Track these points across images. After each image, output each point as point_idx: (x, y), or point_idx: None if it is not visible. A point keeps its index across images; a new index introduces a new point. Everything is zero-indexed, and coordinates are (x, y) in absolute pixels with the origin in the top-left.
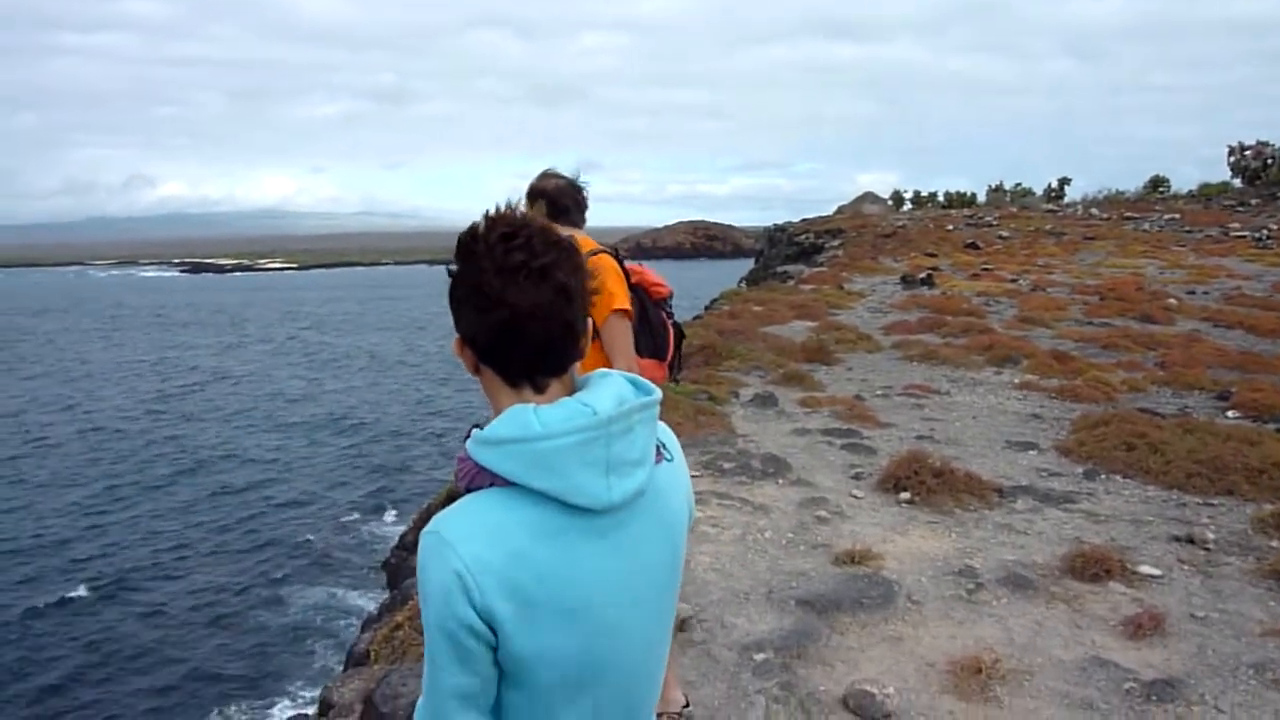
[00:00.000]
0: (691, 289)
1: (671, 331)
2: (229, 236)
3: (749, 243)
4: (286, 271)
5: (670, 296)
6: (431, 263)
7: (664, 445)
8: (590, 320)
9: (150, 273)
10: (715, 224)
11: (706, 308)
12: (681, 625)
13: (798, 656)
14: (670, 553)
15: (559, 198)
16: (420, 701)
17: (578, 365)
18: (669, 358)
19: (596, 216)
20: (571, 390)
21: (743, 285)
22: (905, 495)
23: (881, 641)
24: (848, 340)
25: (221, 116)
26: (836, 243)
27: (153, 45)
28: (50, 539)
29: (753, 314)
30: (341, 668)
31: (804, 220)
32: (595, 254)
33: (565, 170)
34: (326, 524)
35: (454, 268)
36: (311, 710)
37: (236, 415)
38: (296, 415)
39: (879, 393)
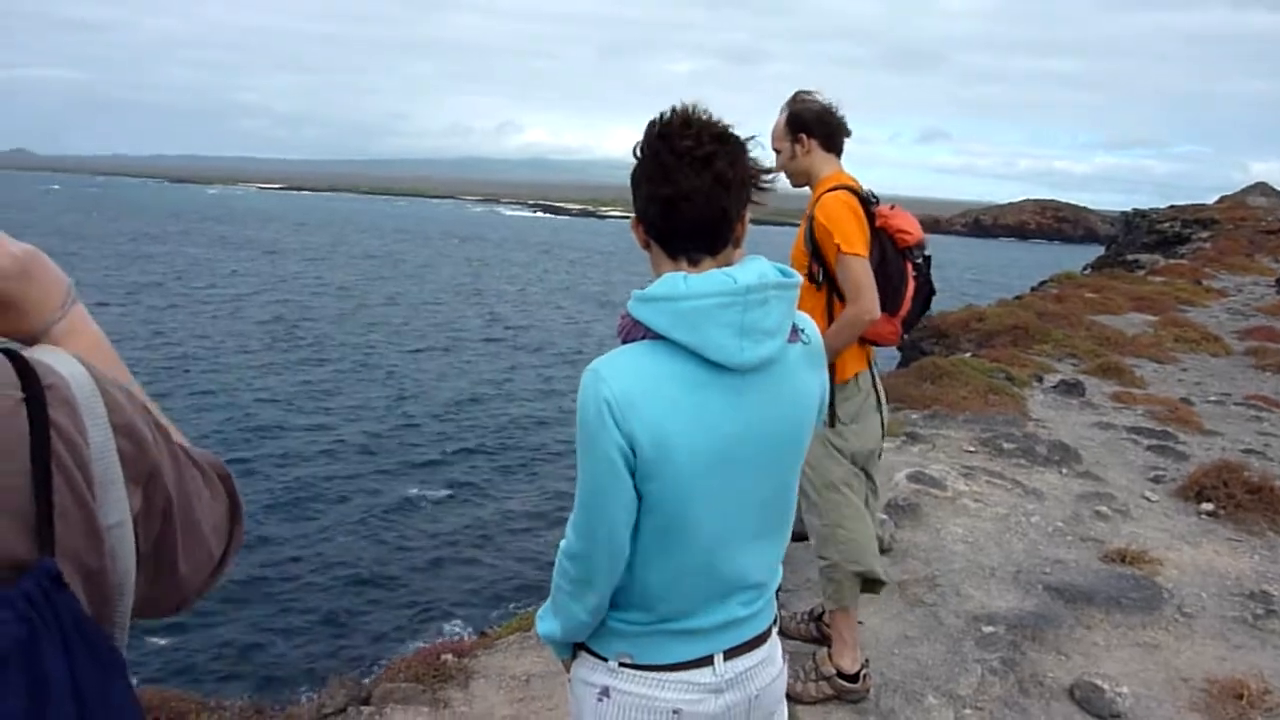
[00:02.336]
0: (1027, 270)
1: (912, 284)
2: (580, 183)
3: (1104, 228)
4: (626, 220)
5: (919, 245)
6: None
7: (802, 329)
8: (818, 257)
9: (509, 212)
10: (1066, 204)
11: (1033, 289)
12: (910, 585)
13: (1031, 638)
14: (793, 425)
15: (827, 118)
16: (566, 543)
17: (738, 252)
18: (902, 312)
19: (933, 186)
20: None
21: (1087, 271)
22: (1208, 506)
23: (1133, 645)
24: (1190, 339)
25: (587, 71)
26: (1205, 235)
27: (537, 2)
28: (412, 439)
29: (1083, 300)
30: None
31: (1172, 207)
32: (834, 190)
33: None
34: None
35: (639, 150)
36: None
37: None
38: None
39: (1212, 399)
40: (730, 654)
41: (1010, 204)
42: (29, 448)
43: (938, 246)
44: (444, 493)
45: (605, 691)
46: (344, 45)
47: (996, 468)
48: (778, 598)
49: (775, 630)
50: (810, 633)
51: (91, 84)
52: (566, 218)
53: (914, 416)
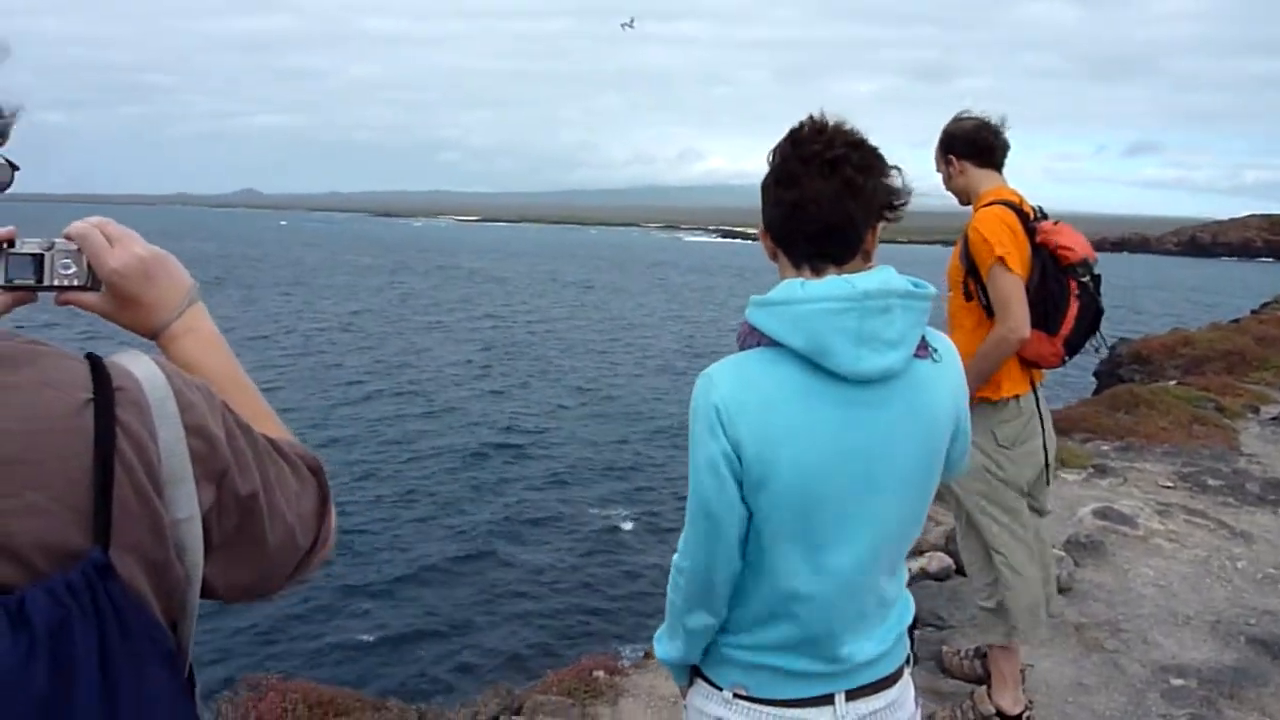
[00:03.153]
0: (1248, 292)
1: (1075, 304)
2: (759, 208)
3: None
4: None
5: (1083, 262)
6: (945, 243)
7: (933, 346)
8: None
9: (690, 238)
10: None
11: (1253, 311)
12: (1089, 628)
13: (1228, 695)
14: (919, 448)
15: (975, 137)
16: (677, 556)
17: (868, 265)
18: (1063, 331)
19: (1142, 202)
20: None
21: None
22: None
23: None
24: None
25: (765, 95)
26: None
27: (721, 30)
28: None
29: None
30: None
31: None
32: (991, 205)
33: (987, 123)
34: None
35: (770, 157)
36: None
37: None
38: None
39: None
40: (854, 694)
41: (1233, 220)
42: (93, 445)
43: (1145, 266)
44: (625, 512)
45: None
46: (535, 81)
47: (1198, 505)
48: (912, 635)
49: (908, 671)
50: (975, 671)
51: (307, 127)
52: (745, 242)
53: (1105, 448)
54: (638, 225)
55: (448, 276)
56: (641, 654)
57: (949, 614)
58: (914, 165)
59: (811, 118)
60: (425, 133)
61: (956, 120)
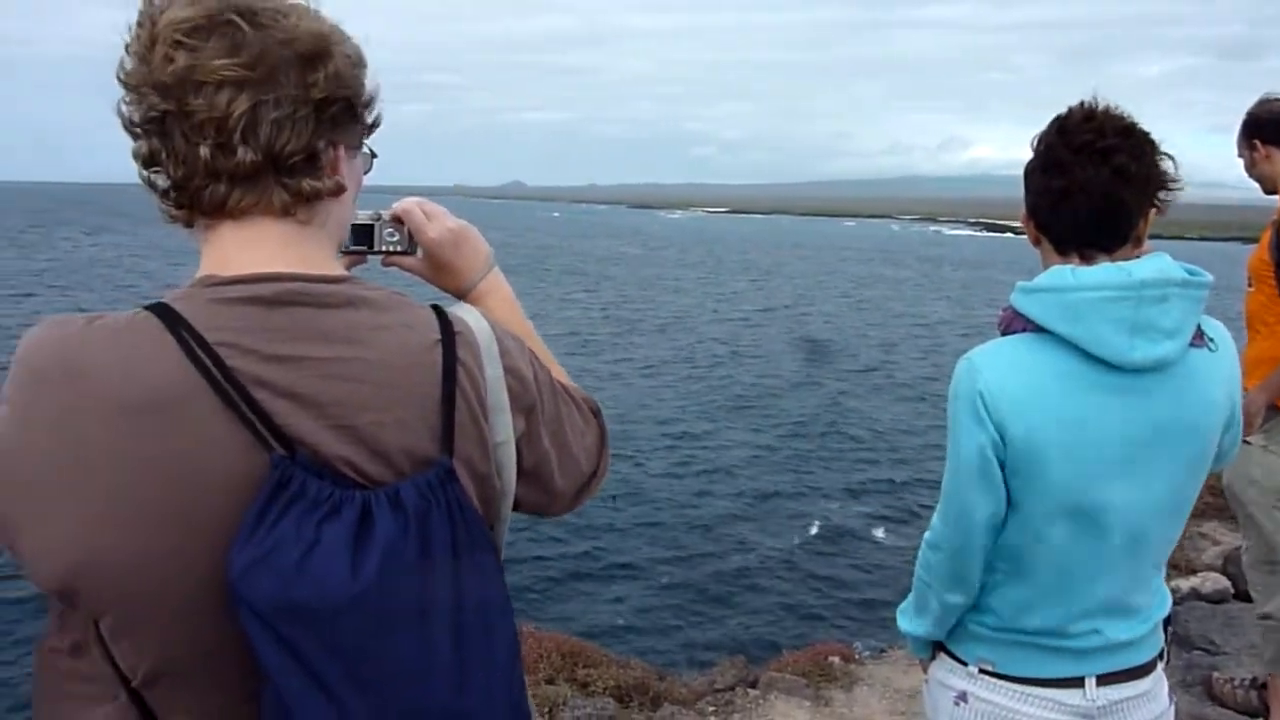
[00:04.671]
0: None
1: None
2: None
3: None
4: None
5: None
6: (1243, 240)
7: (1209, 334)
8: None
9: (947, 230)
10: None
11: None
12: None
13: None
14: (1190, 437)
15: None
16: (930, 533)
17: (1138, 251)
18: None
19: None
20: None
21: None
22: None
23: None
24: None
25: (1041, 80)
26: None
27: (983, 14)
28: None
29: None
30: None
31: None
32: None
33: None
34: None
35: (1035, 144)
36: None
37: None
38: None
39: None
40: (1105, 679)
41: None
42: (440, 376)
43: None
44: (871, 505)
45: (963, 696)
46: (789, 71)
47: None
48: (1167, 629)
49: (1161, 665)
50: (1249, 702)
51: (571, 122)
52: (1010, 236)
53: None
54: (892, 217)
55: (721, 267)
56: (877, 648)
57: (1223, 640)
58: (1210, 152)
59: (1081, 104)
60: (680, 126)
61: (1264, 102)
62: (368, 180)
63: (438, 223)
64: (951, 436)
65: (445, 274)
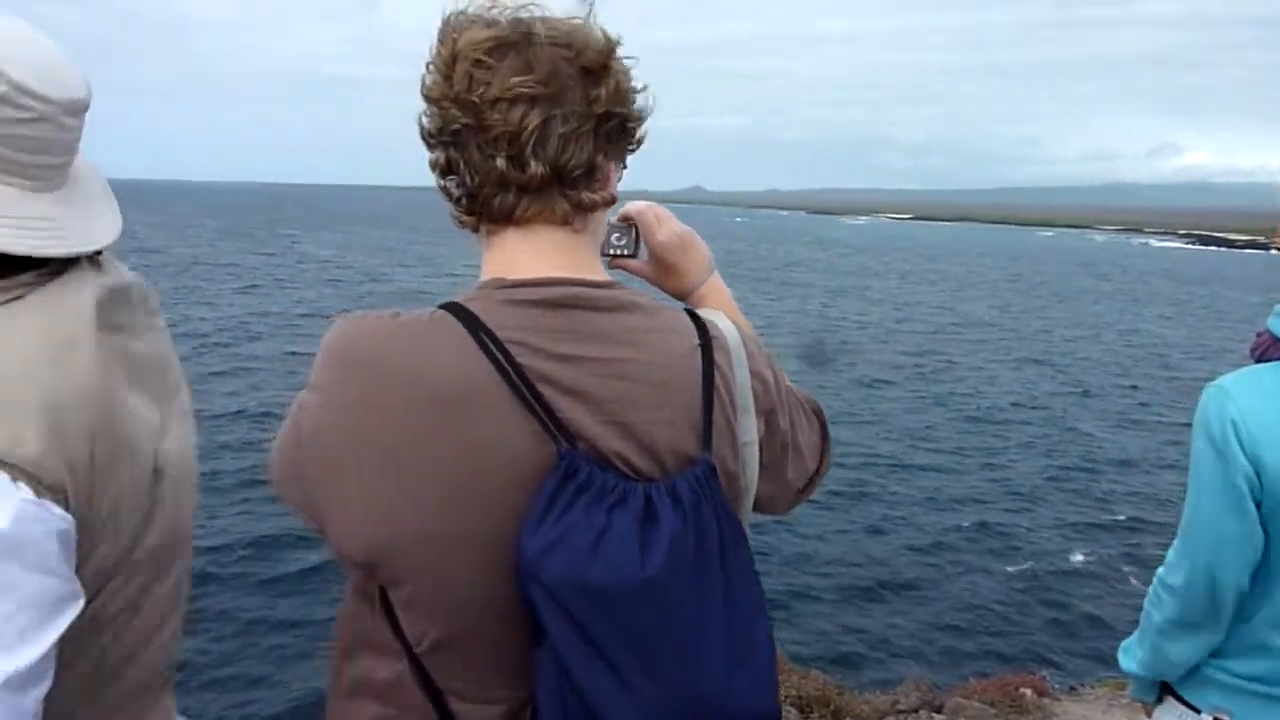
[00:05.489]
0: None
1: None
2: (1248, 209)
3: None
4: None
5: None
6: None
7: None
8: None
9: (1154, 242)
10: None
11: None
12: None
13: None
14: None
15: None
16: (1164, 571)
17: None
18: None
19: None
20: None
21: None
22: None
23: None
24: None
25: (1273, 81)
26: None
27: (1220, 6)
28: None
29: None
30: None
31: None
32: None
33: None
34: None
35: None
36: None
37: None
38: None
39: None
40: None
41: None
42: (700, 379)
43: None
44: (1080, 538)
45: None
46: (973, 74)
47: None
48: None
49: None
50: None
51: (752, 127)
52: (1224, 249)
53: None
54: (1091, 227)
55: (913, 276)
56: (1068, 684)
57: None
58: None
59: None
60: (862, 130)
61: None
62: None
63: (667, 226)
64: (1195, 468)
65: (671, 276)
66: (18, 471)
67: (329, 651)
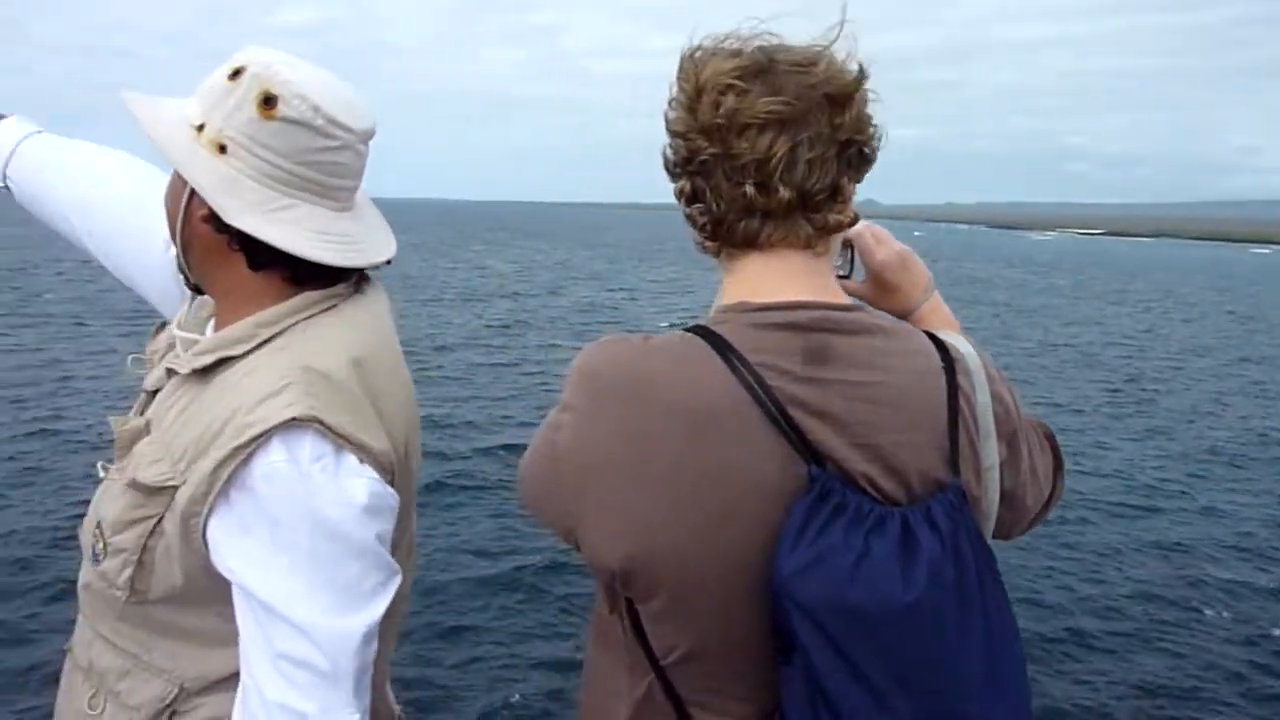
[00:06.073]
0: None
1: None
2: None
3: None
4: None
5: None
6: None
7: None
8: None
9: None
10: None
11: None
12: None
13: None
14: None
15: None
16: None
17: None
18: None
19: None
20: None
21: None
22: None
23: None
24: None
25: None
26: None
27: None
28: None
29: None
30: None
31: None
32: None
33: None
34: None
35: None
36: None
37: None
38: None
39: None
40: None
41: None
42: (945, 401)
43: None
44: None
45: None
46: (1184, 79)
47: None
48: None
49: None
50: None
51: (928, 138)
52: None
53: None
54: None
55: (1126, 297)
56: None
57: None
58: None
59: None
60: (1051, 141)
61: None
62: None
63: (886, 245)
64: None
65: (891, 296)
66: (364, 453)
67: (586, 658)
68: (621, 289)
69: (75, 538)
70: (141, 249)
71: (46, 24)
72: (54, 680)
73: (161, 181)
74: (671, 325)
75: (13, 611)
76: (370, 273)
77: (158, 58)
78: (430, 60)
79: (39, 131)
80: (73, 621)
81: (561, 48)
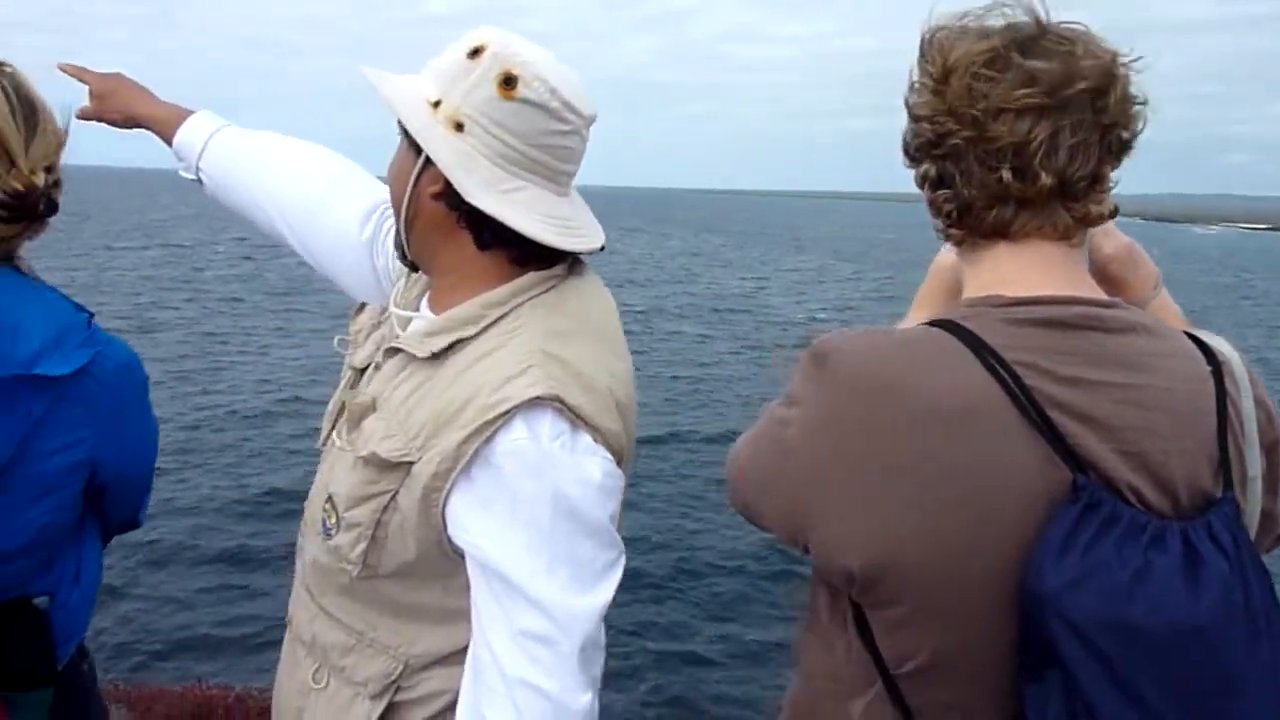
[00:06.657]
0: None
1: None
2: None
3: None
4: None
5: None
6: None
7: None
8: None
9: None
10: None
11: None
12: None
13: None
14: None
15: None
16: None
17: None
18: None
19: None
20: None
21: None
22: None
23: None
24: None
25: None
26: None
27: None
28: None
29: None
30: None
31: None
32: None
33: None
34: None
35: None
36: None
37: None
38: None
39: None
40: None
41: None
42: (1214, 407)
43: None
44: None
45: None
46: None
47: None
48: None
49: None
50: None
51: None
52: None
53: None
54: None
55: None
56: None
57: None
58: None
59: None
60: (1211, 130)
61: None
62: (880, 188)
63: (1114, 238)
64: None
65: (1117, 293)
66: (598, 434)
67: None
68: (755, 276)
69: (266, 504)
70: (340, 235)
71: (196, 13)
72: (269, 646)
73: (352, 168)
74: (813, 319)
75: (221, 576)
76: (584, 257)
77: (308, 46)
78: (571, 47)
79: (227, 125)
80: (283, 588)
81: (688, 34)
